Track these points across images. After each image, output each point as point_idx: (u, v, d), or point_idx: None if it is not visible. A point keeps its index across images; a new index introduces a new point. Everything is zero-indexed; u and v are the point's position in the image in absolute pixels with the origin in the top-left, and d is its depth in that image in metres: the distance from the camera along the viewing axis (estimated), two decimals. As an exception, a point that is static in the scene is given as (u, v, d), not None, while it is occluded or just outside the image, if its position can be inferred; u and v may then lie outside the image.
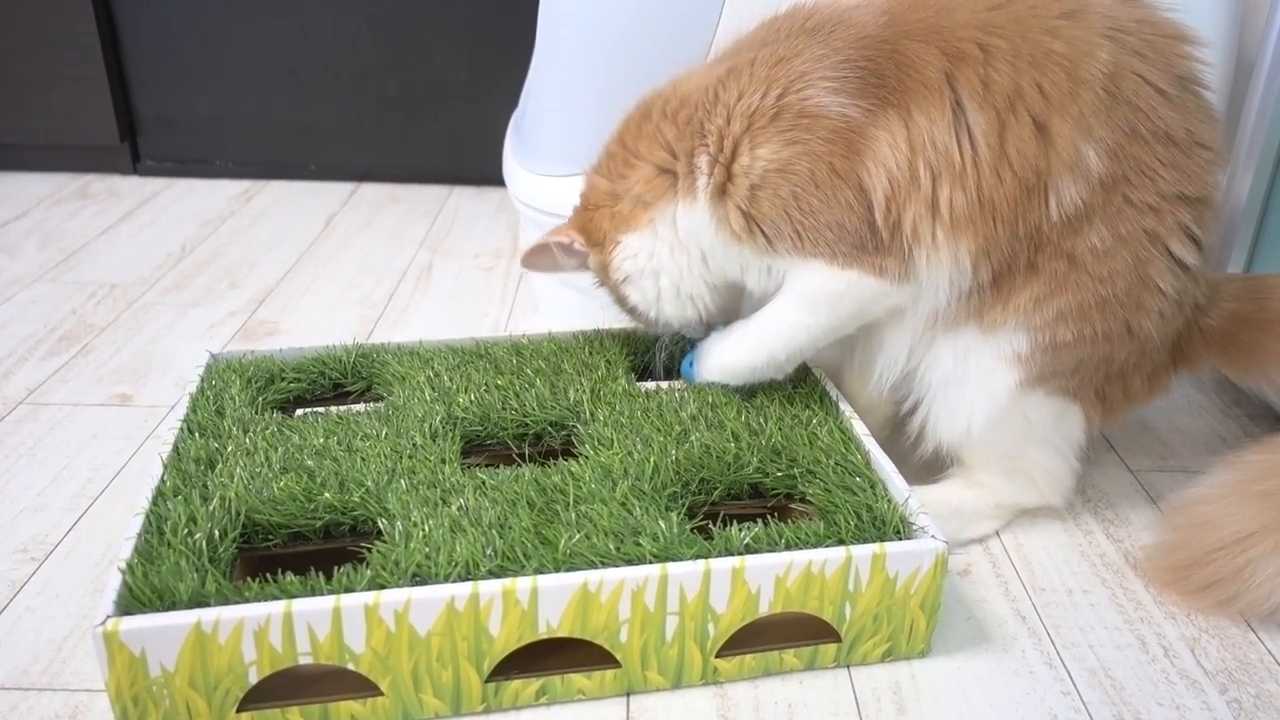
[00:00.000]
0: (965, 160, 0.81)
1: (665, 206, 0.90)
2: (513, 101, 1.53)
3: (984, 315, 0.86)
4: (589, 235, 0.96)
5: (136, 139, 1.89)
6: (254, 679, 0.69)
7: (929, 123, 0.81)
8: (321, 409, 0.94)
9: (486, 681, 0.73)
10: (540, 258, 1.00)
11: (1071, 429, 0.93)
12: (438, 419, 0.90)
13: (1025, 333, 0.85)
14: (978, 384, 0.88)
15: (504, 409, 0.92)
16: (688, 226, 0.89)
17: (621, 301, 0.98)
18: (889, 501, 0.80)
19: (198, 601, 0.68)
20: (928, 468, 0.98)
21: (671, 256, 0.91)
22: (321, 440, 0.87)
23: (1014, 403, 0.88)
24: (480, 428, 0.91)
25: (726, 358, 0.94)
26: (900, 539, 0.77)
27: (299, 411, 0.94)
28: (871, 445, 0.87)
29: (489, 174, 1.79)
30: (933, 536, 0.76)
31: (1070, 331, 0.84)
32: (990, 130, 0.80)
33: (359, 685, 0.71)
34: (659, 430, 0.89)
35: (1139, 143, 0.81)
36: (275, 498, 0.79)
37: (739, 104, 0.85)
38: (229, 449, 0.85)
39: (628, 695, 0.77)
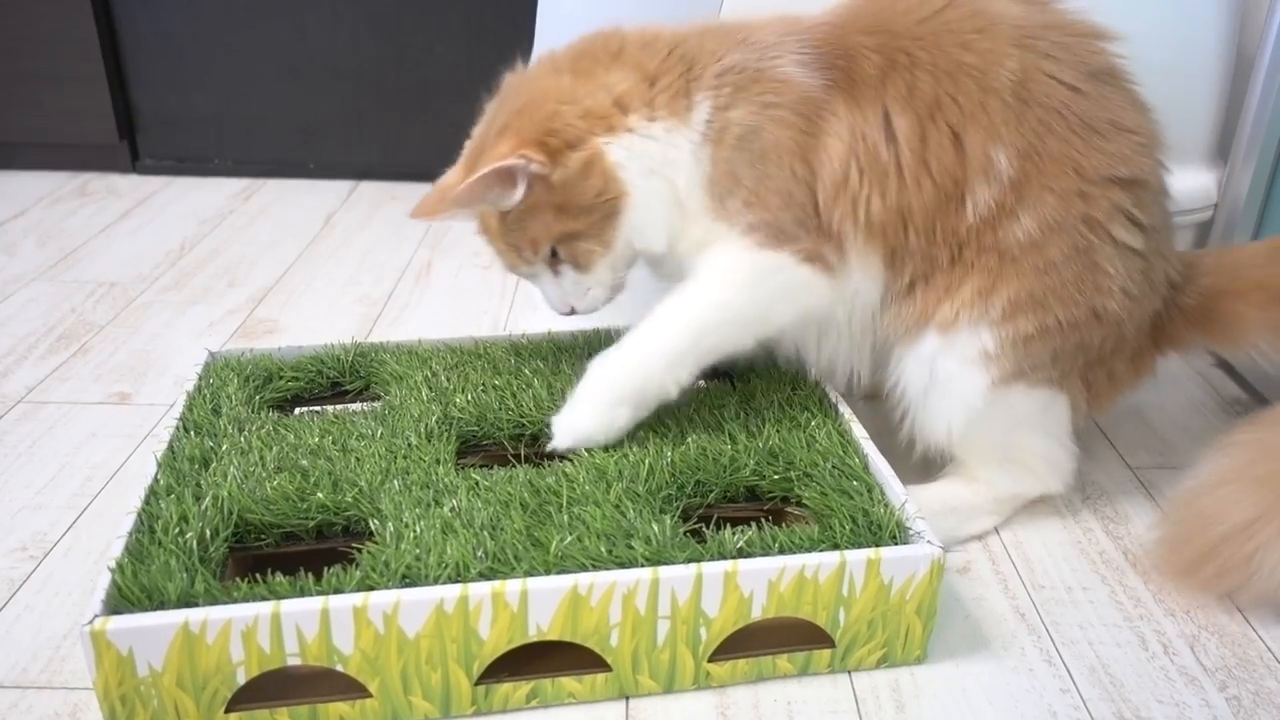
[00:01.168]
0: (889, 163, 0.84)
1: (645, 117, 0.86)
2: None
3: (935, 315, 0.87)
4: (552, 139, 0.84)
5: (135, 137, 1.89)
6: (242, 679, 0.69)
7: (863, 119, 0.84)
8: (318, 408, 0.94)
9: (476, 684, 0.73)
10: (473, 194, 0.84)
11: (1060, 415, 0.93)
12: (434, 419, 0.90)
13: (987, 328, 0.86)
14: (947, 388, 0.88)
15: (500, 409, 0.92)
16: (662, 151, 0.85)
17: (583, 223, 0.86)
18: (886, 506, 0.79)
19: (186, 601, 0.68)
20: (927, 468, 0.97)
21: (667, 166, 0.86)
22: (316, 440, 0.87)
23: (992, 402, 0.88)
24: (476, 428, 0.91)
25: (596, 388, 0.86)
26: (896, 544, 0.76)
27: (297, 410, 0.94)
28: (870, 449, 0.87)
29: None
30: (929, 542, 0.75)
31: (1031, 323, 0.85)
32: (913, 135, 0.83)
33: (349, 686, 0.71)
34: (655, 432, 0.88)
35: (1053, 137, 0.84)
36: (268, 497, 0.79)
37: (728, 58, 0.86)
38: (224, 448, 0.85)
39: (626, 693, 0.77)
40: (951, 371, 0.87)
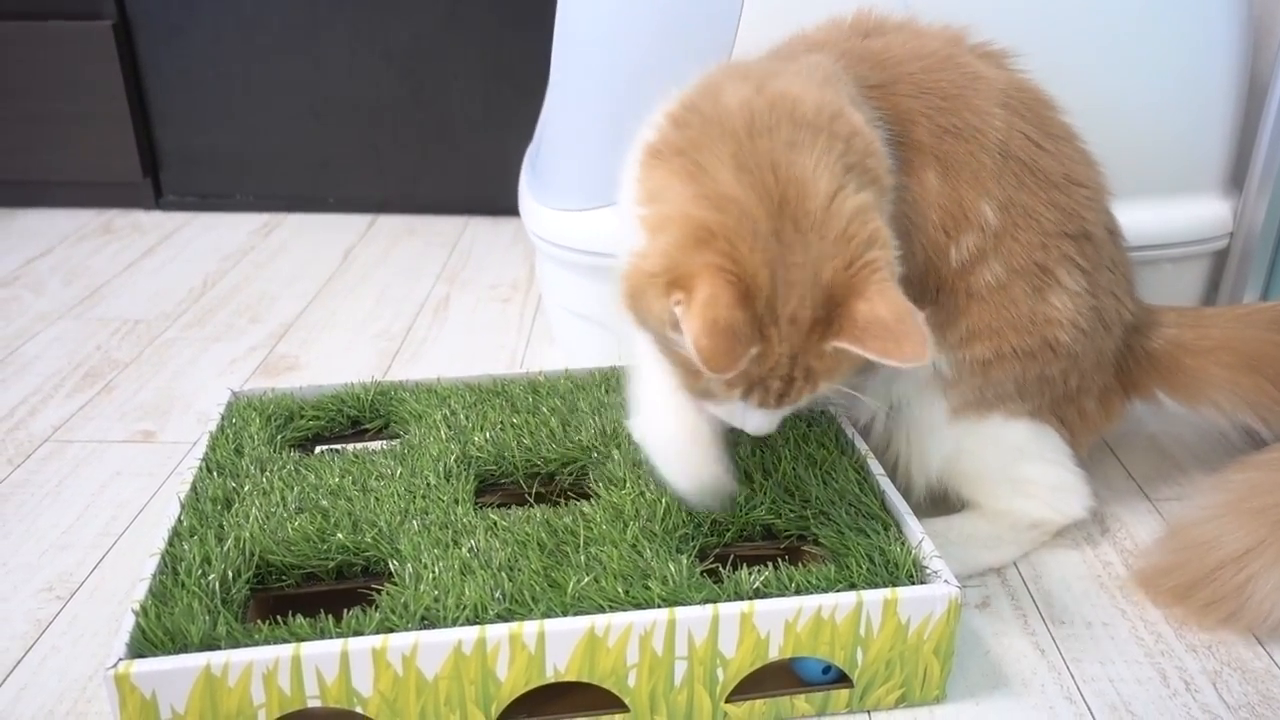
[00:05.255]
0: (925, 220, 0.86)
1: None
2: (528, 134, 1.55)
3: None
4: None
5: (159, 174, 1.91)
6: (264, 723, 0.69)
7: (918, 184, 0.86)
8: (339, 447, 0.95)
9: (495, 726, 0.73)
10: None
11: (1054, 442, 0.95)
12: (452, 458, 0.90)
13: (943, 353, 0.89)
14: (908, 416, 0.92)
15: (518, 448, 0.92)
16: None
17: None
18: (902, 544, 0.79)
19: (209, 644, 0.69)
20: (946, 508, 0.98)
21: None
22: (337, 479, 0.88)
23: (966, 434, 0.91)
24: (495, 466, 0.91)
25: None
26: (914, 583, 0.76)
27: (317, 449, 0.94)
28: (886, 486, 0.87)
29: (505, 204, 1.80)
30: (946, 581, 0.75)
31: (987, 349, 0.88)
32: (941, 193, 0.86)
33: (370, 729, 0.72)
34: (671, 468, 0.88)
35: (1025, 191, 0.87)
36: (289, 538, 0.79)
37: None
38: (246, 488, 0.86)
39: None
40: (906, 395, 0.91)
